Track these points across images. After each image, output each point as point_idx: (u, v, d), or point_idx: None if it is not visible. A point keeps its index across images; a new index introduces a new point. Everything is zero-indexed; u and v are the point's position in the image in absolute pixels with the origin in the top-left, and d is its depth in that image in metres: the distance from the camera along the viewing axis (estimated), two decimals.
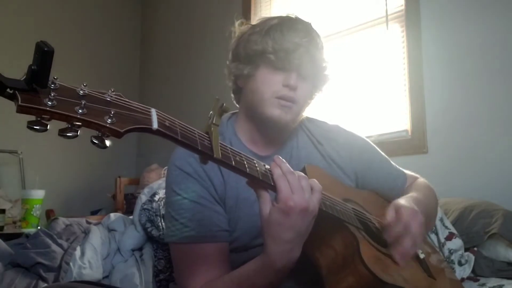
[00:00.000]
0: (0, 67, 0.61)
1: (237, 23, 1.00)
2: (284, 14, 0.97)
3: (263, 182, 0.67)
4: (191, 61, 3.35)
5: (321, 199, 0.71)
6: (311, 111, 1.11)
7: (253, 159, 0.68)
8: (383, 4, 2.22)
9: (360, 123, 2.22)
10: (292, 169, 0.69)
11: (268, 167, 0.69)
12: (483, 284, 1.33)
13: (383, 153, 1.10)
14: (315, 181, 0.71)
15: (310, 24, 0.96)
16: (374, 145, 1.10)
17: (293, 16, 0.97)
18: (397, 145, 2.04)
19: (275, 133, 0.97)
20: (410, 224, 0.80)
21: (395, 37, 2.20)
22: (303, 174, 0.70)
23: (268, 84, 0.90)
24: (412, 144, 2.02)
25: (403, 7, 2.15)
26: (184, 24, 3.50)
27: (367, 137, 1.12)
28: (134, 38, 4.06)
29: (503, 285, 1.28)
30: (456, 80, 1.93)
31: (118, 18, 3.95)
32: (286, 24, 0.91)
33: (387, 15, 2.20)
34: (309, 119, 1.08)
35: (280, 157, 0.71)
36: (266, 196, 0.69)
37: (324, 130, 1.06)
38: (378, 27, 2.28)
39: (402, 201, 0.87)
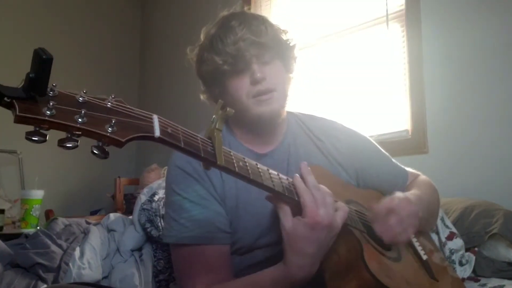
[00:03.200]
0: None
1: (188, 50, 1.01)
2: (220, 16, 0.97)
3: (265, 187, 0.66)
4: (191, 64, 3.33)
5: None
6: (310, 111, 1.10)
7: (256, 164, 0.67)
8: (384, 3, 2.21)
9: (360, 122, 2.21)
10: (317, 184, 0.70)
11: (275, 172, 0.69)
12: (484, 285, 1.32)
13: (384, 151, 1.10)
14: (341, 203, 0.74)
15: (242, 12, 0.96)
16: (375, 143, 1.10)
17: (227, 14, 0.97)
18: (397, 145, 2.03)
19: (270, 128, 0.97)
20: (399, 209, 0.79)
21: (396, 37, 2.19)
22: (328, 190, 0.71)
23: (240, 90, 0.90)
24: (412, 144, 2.01)
25: (403, 7, 2.14)
26: (184, 27, 3.46)
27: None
28: (133, 43, 4.04)
29: (503, 285, 1.28)
30: (456, 80, 1.92)
31: (118, 22, 3.94)
32: (223, 29, 0.91)
33: (387, 15, 2.19)
34: (308, 116, 1.07)
35: (307, 166, 0.72)
36: (287, 208, 0.70)
37: (325, 126, 1.05)
38: (379, 26, 2.27)
39: (398, 194, 0.86)
